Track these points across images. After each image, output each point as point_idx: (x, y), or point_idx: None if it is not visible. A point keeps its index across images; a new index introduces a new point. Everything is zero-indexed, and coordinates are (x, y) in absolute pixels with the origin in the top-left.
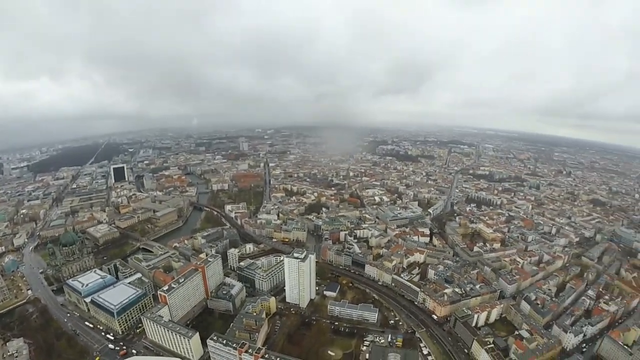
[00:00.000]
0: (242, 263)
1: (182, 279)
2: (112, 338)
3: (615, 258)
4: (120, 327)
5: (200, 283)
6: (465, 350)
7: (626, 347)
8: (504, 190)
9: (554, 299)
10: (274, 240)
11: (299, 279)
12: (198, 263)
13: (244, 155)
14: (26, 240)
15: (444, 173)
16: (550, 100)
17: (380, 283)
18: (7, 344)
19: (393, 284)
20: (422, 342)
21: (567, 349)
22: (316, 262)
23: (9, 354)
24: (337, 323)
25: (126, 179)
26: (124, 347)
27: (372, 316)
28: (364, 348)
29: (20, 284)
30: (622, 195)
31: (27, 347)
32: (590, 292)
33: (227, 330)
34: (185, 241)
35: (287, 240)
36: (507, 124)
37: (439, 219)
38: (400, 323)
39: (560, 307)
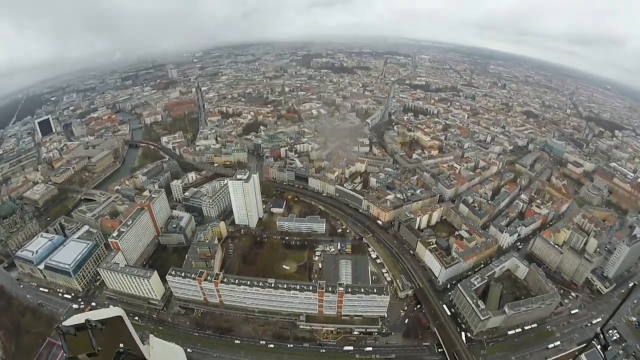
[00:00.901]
0: (186, 193)
1: (130, 221)
2: (73, 298)
3: (546, 166)
4: (80, 284)
5: (148, 221)
6: (411, 252)
7: (557, 246)
8: (440, 100)
9: (489, 202)
10: (215, 165)
11: (244, 199)
12: (143, 202)
13: (173, 82)
14: None
15: (380, 84)
16: (489, 15)
17: (324, 195)
18: None
19: (337, 194)
20: (370, 247)
21: (504, 247)
22: (260, 181)
23: None
24: (287, 238)
25: (54, 131)
26: (91, 304)
27: (320, 227)
28: (316, 258)
29: None
30: (555, 110)
31: None
32: (523, 196)
33: (183, 262)
34: (126, 182)
35: (228, 163)
36: (443, 36)
37: (377, 128)
38: (348, 231)
39: (495, 210)
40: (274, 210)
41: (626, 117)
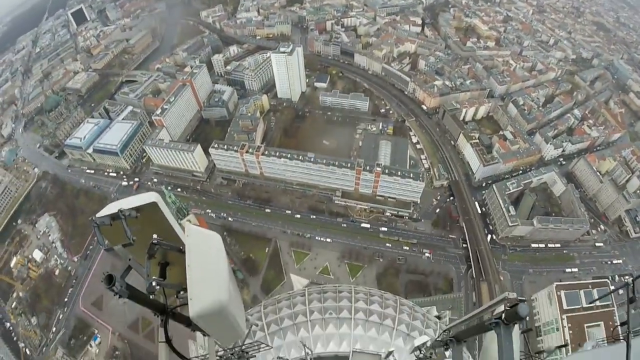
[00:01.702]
0: (228, 67)
1: (173, 98)
2: (122, 176)
3: (607, 88)
4: (127, 163)
5: (190, 97)
6: (452, 142)
7: (599, 173)
8: None
9: (540, 108)
10: (257, 37)
11: (287, 73)
12: (184, 78)
13: None
14: (13, 125)
15: None
16: None
17: (370, 72)
18: (36, 225)
19: (383, 74)
20: (411, 131)
21: (545, 159)
22: (304, 54)
23: (41, 233)
24: (329, 113)
25: (88, 19)
26: (136, 180)
27: (364, 105)
28: (357, 136)
29: (25, 168)
30: (629, 29)
31: (54, 219)
32: (576, 112)
33: (225, 135)
34: (167, 60)
35: (271, 35)
36: None
37: (431, 8)
38: (391, 112)
39: (545, 118)
40: (317, 84)
41: None
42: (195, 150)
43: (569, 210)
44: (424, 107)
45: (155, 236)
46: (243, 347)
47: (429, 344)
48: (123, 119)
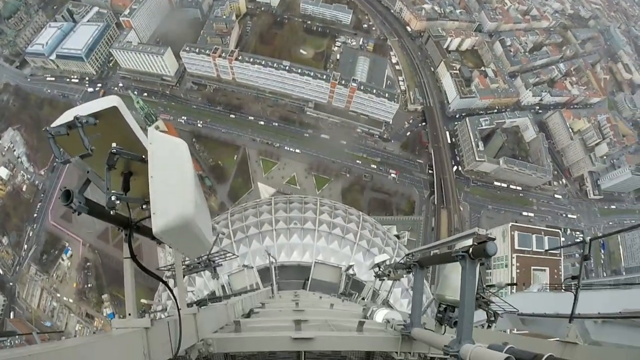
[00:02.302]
0: None
1: None
2: (88, 82)
3: (597, 51)
4: (93, 68)
5: None
6: (432, 69)
7: (570, 130)
8: None
9: (527, 53)
10: None
11: None
12: None
13: None
14: None
15: None
16: None
17: None
18: (0, 141)
19: None
20: (392, 51)
21: (522, 104)
22: None
23: (5, 149)
24: (309, 22)
25: None
26: (99, 86)
27: (346, 17)
28: (335, 49)
29: None
30: (633, 2)
31: (18, 133)
32: (561, 66)
33: (198, 38)
34: None
35: None
36: None
37: None
38: (374, 28)
39: (529, 64)
40: None
41: None
42: (166, 53)
43: (535, 157)
44: (409, 29)
45: (114, 145)
46: (210, 256)
47: (388, 262)
48: (88, 21)
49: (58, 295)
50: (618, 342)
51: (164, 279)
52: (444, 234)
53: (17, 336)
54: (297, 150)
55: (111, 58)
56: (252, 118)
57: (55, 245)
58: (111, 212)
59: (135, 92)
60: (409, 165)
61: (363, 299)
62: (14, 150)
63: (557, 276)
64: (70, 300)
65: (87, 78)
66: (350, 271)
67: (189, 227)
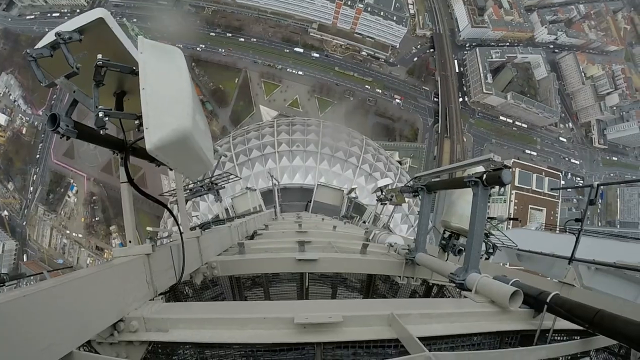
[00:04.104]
0: None
1: None
2: (79, 12)
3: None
4: None
5: None
6: None
7: (583, 74)
8: None
9: None
10: None
11: None
12: None
13: None
14: None
15: None
16: None
17: None
18: None
19: None
20: None
21: (536, 40)
22: None
23: (1, 95)
24: None
25: None
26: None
27: None
28: None
29: None
30: None
31: (12, 77)
32: (581, 7)
33: None
34: None
35: None
36: None
37: None
38: None
39: (548, 0)
40: None
41: None
42: None
43: (544, 96)
44: None
45: (100, 56)
46: (212, 179)
47: (390, 186)
48: None
49: (67, 232)
50: (607, 291)
51: (168, 205)
52: (445, 163)
53: (30, 277)
54: (300, 73)
55: None
56: (254, 40)
57: (60, 183)
58: (101, 132)
59: (133, 20)
60: (415, 91)
61: (365, 222)
62: (10, 95)
63: (552, 218)
64: (80, 236)
65: (77, 10)
66: (353, 194)
67: (186, 142)
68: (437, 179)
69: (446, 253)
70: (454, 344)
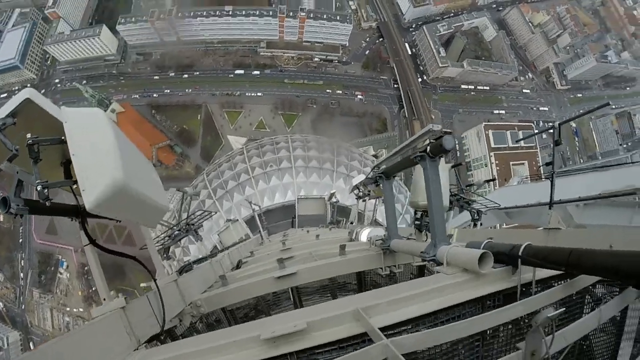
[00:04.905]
0: None
1: None
2: (32, 87)
3: None
4: (32, 72)
5: None
6: None
7: (530, 24)
8: None
9: None
10: None
11: None
12: None
13: None
14: None
15: None
16: None
17: None
18: None
19: None
20: None
21: (479, 3)
22: None
23: None
24: None
25: None
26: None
27: None
28: None
29: None
30: None
31: None
32: None
33: (131, 7)
34: None
35: None
36: None
37: None
38: None
39: None
40: None
41: None
42: (101, 32)
43: (498, 55)
44: None
45: (28, 135)
46: (187, 220)
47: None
48: (13, 25)
49: (67, 309)
50: (601, 223)
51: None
52: None
53: None
54: (259, 94)
55: (48, 56)
56: (207, 73)
57: (49, 262)
58: (47, 204)
59: (83, 82)
60: (374, 83)
61: (351, 223)
62: None
63: (535, 167)
64: (81, 310)
65: (28, 84)
66: (333, 199)
67: (125, 193)
68: (392, 164)
69: (422, 232)
70: (432, 322)
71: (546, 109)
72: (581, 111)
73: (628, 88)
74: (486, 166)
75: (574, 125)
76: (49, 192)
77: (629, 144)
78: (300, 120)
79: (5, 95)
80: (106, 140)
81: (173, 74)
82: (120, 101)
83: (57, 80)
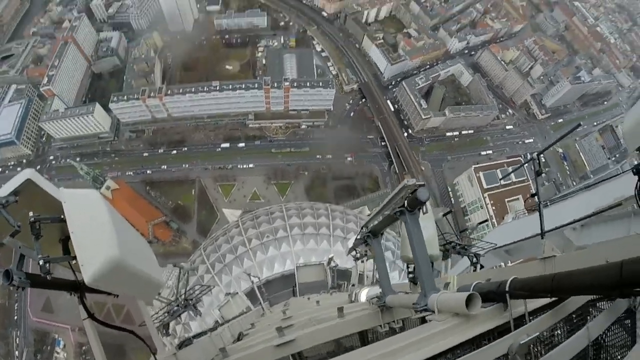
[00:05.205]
0: (110, 10)
1: (57, 61)
2: (27, 164)
3: None
4: (27, 147)
5: (76, 54)
6: (357, 46)
7: (503, 62)
8: None
9: (443, 4)
10: None
11: (176, 1)
12: (64, 35)
13: None
14: None
15: None
16: None
17: None
18: None
19: None
20: (314, 40)
21: (451, 52)
22: None
23: None
24: (227, 36)
25: None
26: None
27: (262, 21)
28: (259, 54)
29: None
30: None
31: None
32: (478, 6)
33: (123, 85)
34: (41, 20)
35: None
36: None
37: None
38: (291, 23)
39: (448, 13)
40: (210, 8)
41: None
42: (95, 110)
43: (477, 98)
44: (325, 14)
45: (31, 214)
46: (185, 296)
47: None
48: (9, 101)
49: None
50: (600, 240)
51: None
52: None
53: None
54: (251, 165)
55: (43, 132)
56: (199, 148)
57: (45, 341)
58: (48, 278)
59: (77, 159)
60: (362, 143)
61: (353, 285)
62: None
63: (531, 200)
64: None
65: (24, 160)
66: (332, 263)
67: (121, 268)
68: (376, 223)
69: (417, 285)
70: None
71: (531, 140)
72: (554, 140)
73: (605, 102)
74: (482, 208)
75: (560, 150)
76: (50, 266)
77: (617, 155)
78: (294, 188)
79: (4, 169)
80: (102, 220)
81: (165, 150)
82: (114, 178)
83: (52, 157)
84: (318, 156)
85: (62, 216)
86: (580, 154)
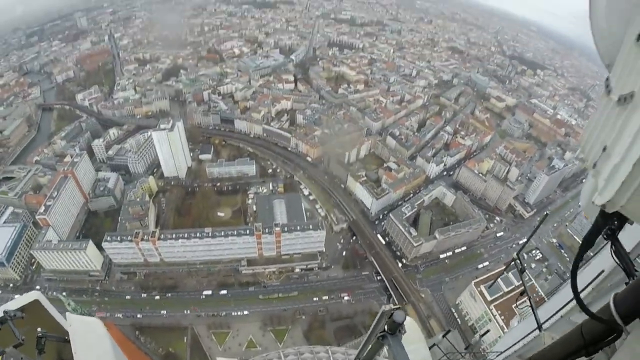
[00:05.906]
0: (110, 152)
1: (55, 193)
2: (13, 288)
3: (470, 100)
4: (16, 272)
5: (74, 189)
6: (342, 185)
7: (481, 175)
8: (365, 34)
9: (416, 133)
10: (137, 117)
11: (171, 149)
12: (65, 169)
13: (83, 32)
14: None
15: (304, 18)
16: None
17: (252, 136)
18: None
19: (265, 134)
20: (301, 184)
21: (431, 177)
22: (185, 127)
23: None
24: (219, 184)
25: None
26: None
27: (251, 169)
28: (250, 201)
29: None
30: (480, 47)
31: None
32: (448, 128)
33: (117, 226)
34: (45, 150)
35: (150, 113)
36: None
37: (302, 64)
38: (279, 170)
39: (422, 141)
40: (202, 157)
41: (548, 58)
42: (87, 247)
43: (464, 215)
44: (309, 159)
45: (39, 329)
46: None
47: None
48: (4, 222)
49: None
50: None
51: None
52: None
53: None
54: (246, 312)
55: (33, 260)
56: (191, 294)
57: None
58: None
59: (64, 294)
60: (357, 281)
61: None
62: None
63: (538, 299)
64: None
65: (11, 284)
66: None
67: None
68: (366, 352)
69: None
70: None
71: (524, 240)
72: (566, 215)
73: (584, 180)
74: (490, 321)
75: (554, 240)
76: None
77: None
78: (292, 333)
79: None
80: (105, 346)
81: (157, 294)
82: (103, 319)
83: (39, 287)
84: (314, 298)
85: (67, 337)
86: (574, 237)
